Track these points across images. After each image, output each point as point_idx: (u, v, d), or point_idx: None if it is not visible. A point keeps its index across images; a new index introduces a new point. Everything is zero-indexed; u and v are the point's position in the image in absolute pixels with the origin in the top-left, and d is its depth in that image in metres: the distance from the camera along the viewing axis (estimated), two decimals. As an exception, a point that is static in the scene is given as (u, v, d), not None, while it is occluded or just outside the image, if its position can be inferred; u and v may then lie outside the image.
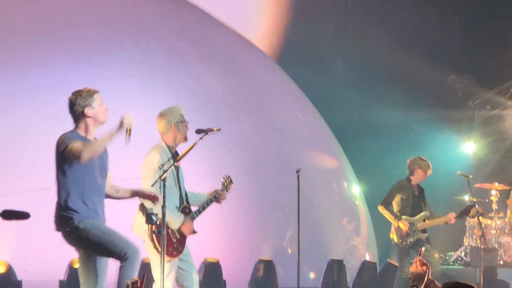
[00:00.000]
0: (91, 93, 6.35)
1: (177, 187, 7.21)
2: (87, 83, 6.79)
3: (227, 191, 7.50)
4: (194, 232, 7.24)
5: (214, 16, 13.86)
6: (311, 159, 13.23)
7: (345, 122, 15.52)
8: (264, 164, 12.50)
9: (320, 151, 13.84)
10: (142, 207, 7.00)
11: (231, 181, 7.57)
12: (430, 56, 15.77)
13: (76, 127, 6.39)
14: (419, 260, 5.03)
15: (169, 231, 7.05)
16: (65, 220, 6.35)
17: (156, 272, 6.93)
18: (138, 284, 4.49)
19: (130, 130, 6.29)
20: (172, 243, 7.07)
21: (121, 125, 6.27)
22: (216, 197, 7.40)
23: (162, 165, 7.03)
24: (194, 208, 7.33)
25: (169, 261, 7.00)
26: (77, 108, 6.31)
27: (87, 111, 6.30)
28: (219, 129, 7.16)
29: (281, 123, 13.28)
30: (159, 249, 6.75)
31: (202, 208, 7.32)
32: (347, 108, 15.67)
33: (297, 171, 9.33)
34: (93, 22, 12.15)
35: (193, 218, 7.24)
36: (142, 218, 6.91)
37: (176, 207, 7.17)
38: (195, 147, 7.08)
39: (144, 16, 12.71)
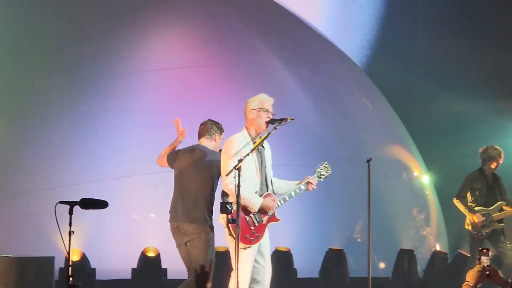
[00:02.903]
0: (221, 128, 8.07)
1: (259, 174, 7.18)
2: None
3: (320, 179, 7.41)
4: (277, 219, 7.20)
5: (283, 7, 13.91)
6: (381, 149, 13.21)
7: (415, 112, 15.43)
8: (334, 154, 12.50)
9: (390, 141, 13.80)
10: (222, 197, 7.06)
11: (327, 169, 7.48)
12: (505, 45, 15.53)
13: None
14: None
15: (246, 218, 7.07)
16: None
17: (233, 261, 6.95)
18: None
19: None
20: (250, 230, 7.07)
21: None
22: (306, 186, 7.31)
23: (238, 152, 7.04)
24: (280, 197, 7.27)
25: (245, 248, 7.00)
26: (212, 131, 7.99)
27: (217, 137, 7.99)
28: (293, 119, 7.10)
29: (351, 114, 13.28)
30: (234, 237, 6.84)
31: (289, 196, 7.27)
32: (418, 98, 15.56)
33: (368, 161, 9.33)
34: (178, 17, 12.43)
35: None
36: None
37: (256, 192, 7.13)
38: (269, 137, 7.14)
39: (220, 9, 12.84)
